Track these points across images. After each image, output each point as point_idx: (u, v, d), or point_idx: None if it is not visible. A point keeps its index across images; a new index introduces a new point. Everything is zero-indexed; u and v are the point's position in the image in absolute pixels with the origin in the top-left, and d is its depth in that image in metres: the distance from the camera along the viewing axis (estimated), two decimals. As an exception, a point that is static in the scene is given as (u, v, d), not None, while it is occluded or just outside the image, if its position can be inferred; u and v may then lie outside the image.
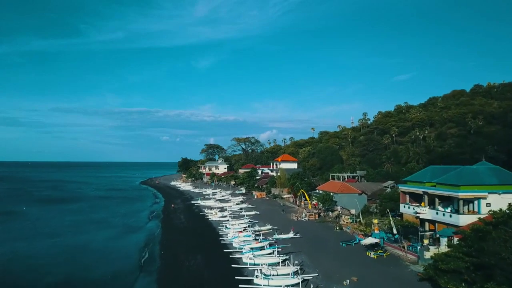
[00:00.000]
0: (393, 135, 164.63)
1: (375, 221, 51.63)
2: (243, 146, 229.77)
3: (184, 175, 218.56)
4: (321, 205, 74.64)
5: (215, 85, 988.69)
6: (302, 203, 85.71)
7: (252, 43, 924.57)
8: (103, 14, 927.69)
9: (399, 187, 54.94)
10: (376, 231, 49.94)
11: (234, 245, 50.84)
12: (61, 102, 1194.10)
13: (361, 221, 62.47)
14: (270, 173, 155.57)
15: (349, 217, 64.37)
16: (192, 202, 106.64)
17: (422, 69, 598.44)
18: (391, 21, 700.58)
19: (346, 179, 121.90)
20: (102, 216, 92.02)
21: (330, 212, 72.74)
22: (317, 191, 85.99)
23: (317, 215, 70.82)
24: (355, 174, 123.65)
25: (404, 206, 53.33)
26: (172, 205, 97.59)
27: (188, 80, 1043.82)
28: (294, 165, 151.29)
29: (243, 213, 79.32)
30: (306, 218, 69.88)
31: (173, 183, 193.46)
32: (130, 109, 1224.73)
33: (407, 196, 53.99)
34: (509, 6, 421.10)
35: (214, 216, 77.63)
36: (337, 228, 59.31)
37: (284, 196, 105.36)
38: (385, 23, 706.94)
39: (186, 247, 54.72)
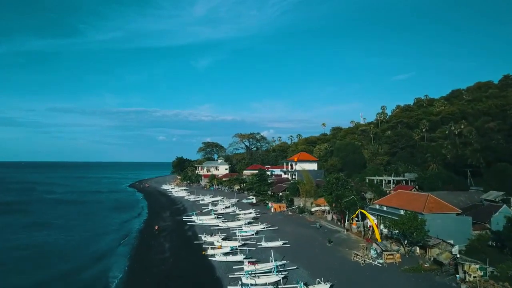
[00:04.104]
0: (423, 129, 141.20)
1: None
2: (247, 144, 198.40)
3: (178, 177, 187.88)
4: (394, 232, 44.40)
5: (214, 85, 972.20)
6: (354, 225, 55.25)
7: (251, 43, 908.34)
8: (102, 14, 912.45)
9: None
10: None
11: None
12: (58, 102, 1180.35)
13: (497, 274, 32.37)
14: (284, 176, 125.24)
15: (477, 267, 33.57)
16: (184, 218, 75.65)
17: (421, 69, 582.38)
18: (390, 21, 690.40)
19: (392, 184, 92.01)
20: (44, 240, 61.29)
21: (417, 248, 42.15)
22: (376, 206, 55.47)
23: (398, 255, 40.06)
24: (402, 178, 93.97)
25: None
26: (156, 227, 66.61)
27: (187, 80, 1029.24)
28: (314, 166, 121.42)
29: (264, 244, 48.85)
30: (381, 261, 39.27)
31: (164, 187, 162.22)
32: (128, 109, 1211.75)
33: None
34: (508, 6, 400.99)
35: (216, 250, 46.88)
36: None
37: (314, 210, 74.87)
38: (384, 23, 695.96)
39: None
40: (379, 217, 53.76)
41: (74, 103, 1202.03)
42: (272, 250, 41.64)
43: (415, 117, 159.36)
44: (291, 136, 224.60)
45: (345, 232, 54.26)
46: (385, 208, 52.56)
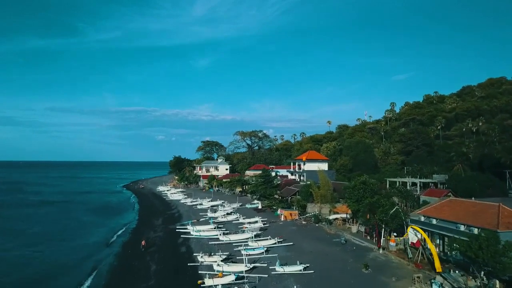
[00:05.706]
0: (438, 127, 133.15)
1: None
2: (249, 142, 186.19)
3: (176, 177, 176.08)
4: (451, 254, 32.47)
5: (213, 85, 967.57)
6: (392, 242, 43.30)
7: (250, 42, 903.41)
8: (102, 13, 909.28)
9: None
10: None
11: None
12: (57, 101, 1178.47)
13: None
14: (291, 177, 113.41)
15: None
16: (178, 228, 63.52)
17: (419, 69, 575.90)
18: (389, 21, 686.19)
19: (419, 188, 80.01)
20: (2, 259, 49.23)
21: (497, 282, 30.35)
22: (421, 218, 43.46)
23: (476, 294, 28.31)
24: (430, 180, 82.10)
25: None
26: (142, 242, 54.53)
27: (186, 79, 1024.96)
28: (324, 166, 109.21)
29: (279, 269, 36.89)
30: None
31: (160, 188, 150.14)
32: (127, 109, 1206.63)
33: None
34: (508, 6, 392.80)
35: (216, 280, 34.86)
36: None
37: (332, 218, 63.04)
38: (383, 23, 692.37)
39: None
40: (426, 233, 41.91)
41: (73, 102, 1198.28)
42: (294, 284, 29.79)
43: (428, 114, 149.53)
44: (295, 134, 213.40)
45: (381, 251, 42.35)
46: (434, 221, 40.60)
